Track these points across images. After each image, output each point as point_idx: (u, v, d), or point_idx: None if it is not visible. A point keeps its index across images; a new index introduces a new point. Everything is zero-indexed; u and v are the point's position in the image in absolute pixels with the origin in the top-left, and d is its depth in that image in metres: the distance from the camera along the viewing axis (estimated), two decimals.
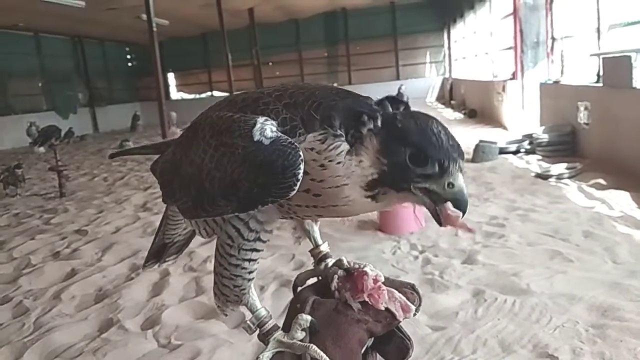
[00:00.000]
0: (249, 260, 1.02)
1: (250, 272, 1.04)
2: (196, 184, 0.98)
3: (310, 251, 1.24)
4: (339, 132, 0.90)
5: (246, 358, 3.29)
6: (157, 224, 5.22)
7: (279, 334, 1.02)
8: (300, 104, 0.95)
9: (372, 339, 1.03)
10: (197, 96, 31.12)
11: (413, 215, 5.49)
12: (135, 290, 4.52)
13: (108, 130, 25.86)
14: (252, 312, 1.07)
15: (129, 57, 31.68)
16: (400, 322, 1.02)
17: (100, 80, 27.77)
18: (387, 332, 1.03)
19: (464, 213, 0.93)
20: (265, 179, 0.88)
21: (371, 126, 0.90)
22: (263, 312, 1.06)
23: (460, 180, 0.91)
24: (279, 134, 0.90)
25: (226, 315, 1.17)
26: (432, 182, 0.90)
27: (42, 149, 17.14)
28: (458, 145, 0.91)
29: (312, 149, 0.90)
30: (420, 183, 0.90)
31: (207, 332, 3.68)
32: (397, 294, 1.03)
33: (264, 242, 1.03)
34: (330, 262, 1.19)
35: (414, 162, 0.88)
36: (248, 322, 1.06)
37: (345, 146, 0.89)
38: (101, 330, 3.88)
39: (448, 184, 0.90)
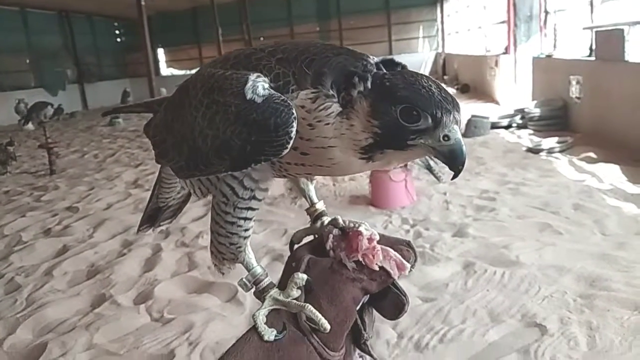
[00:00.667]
0: (245, 218, 1.02)
1: (245, 230, 1.04)
2: (189, 143, 0.97)
3: (306, 210, 1.24)
4: (330, 92, 0.88)
5: (239, 330, 3.30)
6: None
7: (274, 292, 1.02)
8: (293, 60, 0.93)
9: (368, 295, 1.03)
10: (188, 72, 30.64)
11: (404, 190, 5.52)
12: (127, 266, 4.53)
13: (97, 107, 25.54)
14: (248, 269, 1.07)
15: (117, 32, 31.12)
16: (395, 279, 1.02)
17: (88, 56, 27.31)
18: (383, 288, 1.03)
19: (462, 166, 0.91)
20: (258, 137, 0.87)
21: (361, 88, 0.88)
22: (259, 270, 1.06)
23: (455, 132, 0.89)
24: (272, 91, 0.89)
25: (223, 273, 1.14)
26: (427, 137, 0.88)
27: (31, 126, 16.95)
28: (452, 98, 0.89)
29: (302, 106, 0.89)
30: (416, 139, 0.88)
31: (199, 305, 3.70)
32: (392, 252, 1.03)
33: (259, 200, 1.02)
34: (326, 220, 1.18)
35: (406, 118, 0.87)
36: (244, 279, 1.06)
37: (336, 107, 0.88)
38: (94, 305, 3.90)
39: (443, 137, 0.88)
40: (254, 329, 0.96)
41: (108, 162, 10.05)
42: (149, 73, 14.39)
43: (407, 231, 4.79)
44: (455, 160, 0.90)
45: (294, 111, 0.86)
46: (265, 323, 0.97)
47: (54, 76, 23.95)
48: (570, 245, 4.12)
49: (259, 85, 0.89)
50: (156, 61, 29.26)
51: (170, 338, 3.31)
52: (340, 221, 1.15)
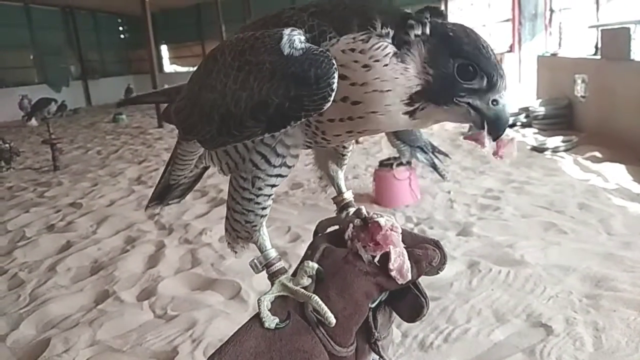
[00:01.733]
0: (263, 195, 0.98)
1: (263, 209, 1.00)
2: (220, 109, 0.92)
3: (333, 198, 1.20)
4: (383, 32, 0.84)
5: None
6: None
7: (284, 278, 0.99)
8: (329, 11, 0.90)
9: (387, 293, 1.00)
10: (191, 69, 30.62)
11: (409, 188, 5.50)
12: (130, 262, 4.52)
13: (101, 104, 25.59)
14: (262, 251, 1.03)
15: (121, 29, 31.11)
16: (398, 282, 0.97)
17: (92, 53, 27.34)
18: (403, 287, 1.00)
19: (503, 131, 0.88)
20: (298, 91, 0.83)
21: (419, 32, 0.84)
22: (272, 253, 1.03)
23: (505, 98, 0.86)
24: (309, 44, 0.85)
25: (236, 252, 1.11)
26: (477, 98, 0.85)
27: (35, 122, 16.98)
28: (500, 65, 0.87)
29: (352, 49, 0.84)
30: (465, 97, 0.85)
31: (203, 302, 3.69)
32: (406, 256, 0.97)
33: (289, 167, 0.98)
34: (352, 211, 1.14)
35: (462, 74, 0.83)
36: (255, 260, 1.03)
37: (391, 48, 0.84)
38: (97, 301, 3.89)
39: (492, 101, 0.86)
40: (256, 316, 0.92)
41: (111, 158, 10.05)
42: (152, 70, 14.36)
43: (412, 229, 4.76)
44: (499, 126, 0.87)
45: (334, 62, 0.83)
46: (270, 310, 0.93)
47: (57, 72, 23.99)
48: (576, 245, 4.09)
49: (295, 39, 0.84)
50: (159, 58, 29.30)
51: (173, 335, 3.30)
52: (364, 212, 1.10)
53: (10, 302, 3.97)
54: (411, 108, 0.85)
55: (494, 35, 15.45)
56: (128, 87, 25.01)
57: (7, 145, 9.47)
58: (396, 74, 0.84)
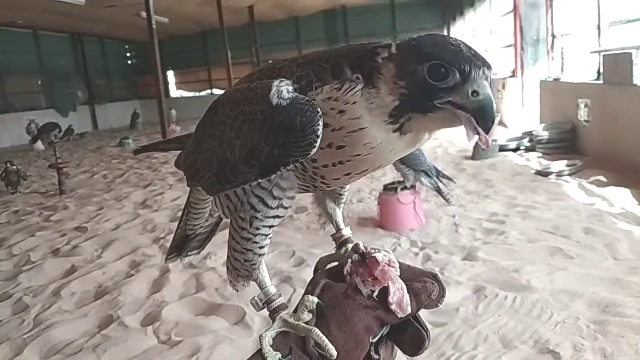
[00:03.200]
0: (261, 235, 1.02)
1: (261, 248, 1.04)
2: (218, 156, 0.98)
3: (332, 235, 1.23)
4: (352, 77, 0.88)
5: (246, 354, 3.26)
6: (157, 221, 5.26)
7: (285, 314, 1.01)
8: (312, 60, 0.95)
9: (388, 328, 1.01)
10: (197, 94, 31.09)
11: (413, 213, 5.50)
12: (135, 287, 4.51)
13: (108, 128, 25.85)
14: (262, 288, 1.06)
15: (128, 55, 31.63)
16: (398, 316, 0.97)
17: (100, 78, 27.74)
18: (404, 321, 1.00)
19: (492, 123, 0.85)
20: (286, 139, 0.87)
21: (386, 55, 0.87)
22: (272, 290, 1.05)
23: (485, 88, 0.85)
24: (296, 94, 0.90)
25: (237, 290, 1.14)
26: (456, 94, 0.84)
27: (41, 146, 17.13)
28: (482, 55, 0.87)
29: (329, 98, 0.88)
30: (444, 98, 0.84)
31: (207, 328, 3.67)
32: (405, 290, 0.98)
33: (286, 208, 1.02)
34: (351, 247, 1.18)
35: (435, 76, 0.84)
36: (256, 298, 1.05)
37: (360, 86, 0.87)
38: (101, 327, 3.88)
39: (472, 93, 0.84)
40: (259, 352, 0.94)
41: (117, 182, 10.11)
42: (159, 95, 14.54)
43: (417, 254, 4.75)
44: (485, 117, 0.85)
45: (319, 110, 0.87)
46: (272, 346, 0.94)
47: (65, 97, 24.31)
48: (582, 270, 4.07)
49: (284, 90, 0.89)
50: (166, 83, 29.65)
51: None
52: (362, 247, 1.14)
53: (15, 327, 3.96)
54: (397, 125, 0.87)
55: (497, 60, 15.59)
56: (135, 112, 25.29)
57: (14, 167, 9.54)
58: (370, 101, 0.86)
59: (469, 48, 0.86)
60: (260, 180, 0.95)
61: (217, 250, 5.14)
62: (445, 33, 25.48)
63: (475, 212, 5.88)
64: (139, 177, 10.46)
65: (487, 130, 0.85)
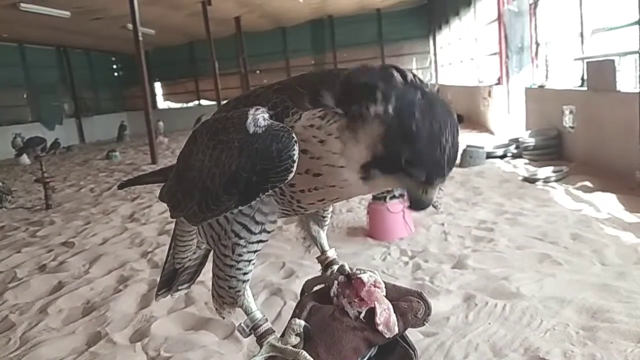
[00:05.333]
0: (244, 261, 1.02)
1: (244, 274, 1.04)
2: (198, 185, 0.99)
3: (317, 258, 1.24)
4: (338, 110, 0.88)
5: None
6: (145, 234, 5.21)
7: (272, 338, 1.01)
8: (288, 85, 0.96)
9: (376, 348, 1.01)
10: (185, 105, 31.01)
11: (402, 221, 5.51)
12: (123, 302, 4.46)
13: (94, 141, 25.67)
14: (247, 314, 1.06)
15: (115, 66, 31.49)
16: (386, 336, 0.98)
17: (86, 91, 27.56)
18: (391, 341, 1.00)
19: (418, 211, 0.95)
20: (262, 165, 0.88)
21: (380, 110, 0.84)
22: (258, 315, 1.05)
23: (434, 192, 0.91)
24: (271, 121, 0.91)
25: (223, 317, 1.15)
26: (412, 182, 0.89)
27: (27, 160, 16.96)
28: (455, 156, 0.89)
29: (312, 125, 0.89)
30: (404, 176, 0.88)
31: (197, 343, 3.64)
32: (391, 310, 0.99)
33: (268, 232, 1.03)
34: (336, 268, 1.18)
35: (409, 163, 0.86)
36: (242, 324, 1.05)
37: (345, 122, 0.87)
38: (89, 344, 3.83)
39: (424, 190, 0.90)
40: None
41: (104, 196, 10.03)
42: (146, 106, 14.47)
43: (406, 263, 4.76)
44: (417, 207, 0.92)
45: (294, 135, 0.88)
46: None
47: (51, 110, 24.12)
48: (570, 276, 4.09)
49: (259, 117, 0.91)
50: (153, 95, 29.57)
51: None
52: (347, 268, 1.14)
53: (1, 346, 3.89)
54: (363, 175, 0.89)
55: (482, 68, 15.75)
56: (122, 124, 25.17)
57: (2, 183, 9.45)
58: (348, 145, 0.87)
59: (451, 150, 0.87)
60: (240, 207, 0.95)
61: (207, 263, 5.11)
62: (431, 42, 25.83)
63: (463, 220, 5.90)
64: (126, 190, 10.38)
65: (413, 210, 0.94)
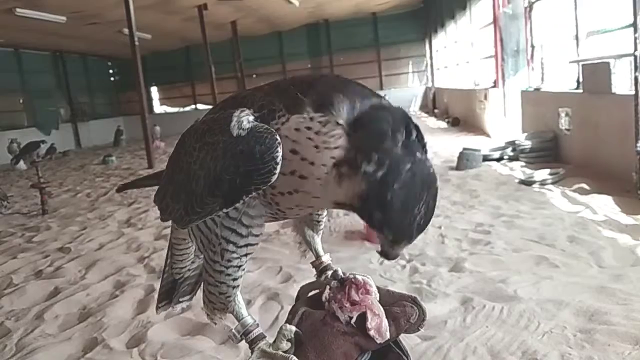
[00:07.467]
0: (233, 266, 1.02)
1: (234, 280, 1.04)
2: (185, 188, 0.99)
3: (311, 263, 1.25)
4: (341, 121, 0.87)
5: None
6: (142, 239, 5.19)
7: (263, 344, 1.01)
8: (283, 90, 0.95)
9: (369, 354, 1.00)
10: (181, 109, 31.01)
11: None
12: (119, 308, 4.44)
13: (91, 146, 25.61)
14: (238, 320, 1.06)
15: (111, 71, 31.47)
16: (378, 342, 0.97)
17: (82, 96, 27.52)
18: (384, 347, 1.00)
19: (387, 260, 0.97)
20: (246, 167, 0.88)
21: (370, 171, 0.84)
22: (249, 321, 1.05)
23: (399, 250, 0.93)
24: (256, 122, 0.91)
25: (215, 323, 1.16)
26: (382, 237, 0.91)
27: (23, 166, 16.90)
28: (427, 223, 0.90)
29: (309, 127, 0.88)
30: (375, 226, 0.91)
31: (194, 348, 3.62)
32: (383, 315, 0.98)
33: (256, 236, 1.02)
34: (330, 273, 1.18)
35: (379, 224, 0.89)
36: (233, 330, 1.06)
37: (343, 143, 0.86)
38: (85, 350, 3.80)
39: (391, 246, 0.92)
40: None
41: (101, 201, 10.00)
42: (142, 111, 14.46)
43: (404, 266, 4.75)
44: (384, 257, 0.94)
45: (277, 137, 0.88)
46: None
47: (47, 115, 24.07)
48: (567, 279, 4.09)
49: (244, 120, 0.91)
50: (149, 99, 29.52)
51: None
52: (340, 273, 1.14)
53: None
54: (335, 205, 0.92)
55: (478, 71, 15.80)
56: (118, 128, 25.13)
57: None
58: (330, 176, 0.88)
59: (423, 220, 0.88)
60: (225, 210, 0.95)
61: None
62: (427, 46, 25.89)
63: (460, 223, 5.90)
64: (123, 195, 10.35)
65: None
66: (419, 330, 1.03)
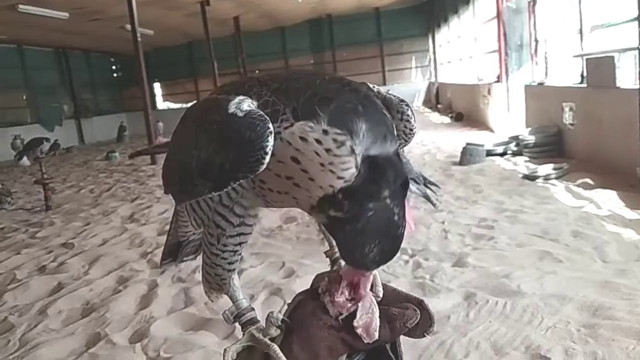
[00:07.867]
0: (229, 251, 1.03)
1: (230, 263, 1.05)
2: (181, 166, 0.99)
3: (325, 252, 1.25)
4: (358, 149, 0.83)
5: None
6: (145, 235, 5.20)
7: (254, 328, 1.01)
8: (295, 92, 0.90)
9: (363, 355, 0.98)
10: (184, 105, 30.94)
11: None
12: (122, 303, 4.45)
13: (94, 142, 25.65)
14: (233, 302, 1.07)
15: (114, 67, 31.47)
16: (365, 342, 0.94)
17: (85, 92, 27.53)
18: (379, 350, 0.97)
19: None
20: (235, 152, 0.86)
21: (358, 214, 0.85)
22: (243, 304, 1.06)
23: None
24: (253, 107, 0.88)
25: (212, 301, 1.18)
26: None
27: (27, 162, 16.93)
28: (385, 260, 0.91)
29: (319, 141, 0.83)
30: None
31: (197, 343, 3.62)
32: (375, 314, 0.94)
33: (249, 225, 1.03)
34: (342, 264, 1.16)
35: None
36: (227, 312, 1.07)
37: (349, 177, 0.84)
38: (88, 345, 3.81)
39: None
40: None
41: (104, 196, 10.01)
42: (145, 107, 14.46)
43: (406, 261, 4.74)
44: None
45: (270, 126, 0.84)
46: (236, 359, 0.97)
47: (50, 112, 24.10)
48: (571, 273, 4.08)
49: (245, 104, 0.88)
50: (152, 95, 29.54)
51: None
52: (343, 265, 1.12)
53: (0, 348, 3.88)
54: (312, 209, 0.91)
55: (482, 66, 15.73)
56: (121, 124, 25.15)
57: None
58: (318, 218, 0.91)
59: (383, 250, 0.90)
60: (214, 194, 0.94)
61: None
62: (430, 41, 25.80)
63: (464, 218, 5.89)
64: (126, 190, 10.36)
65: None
66: (424, 336, 0.98)
